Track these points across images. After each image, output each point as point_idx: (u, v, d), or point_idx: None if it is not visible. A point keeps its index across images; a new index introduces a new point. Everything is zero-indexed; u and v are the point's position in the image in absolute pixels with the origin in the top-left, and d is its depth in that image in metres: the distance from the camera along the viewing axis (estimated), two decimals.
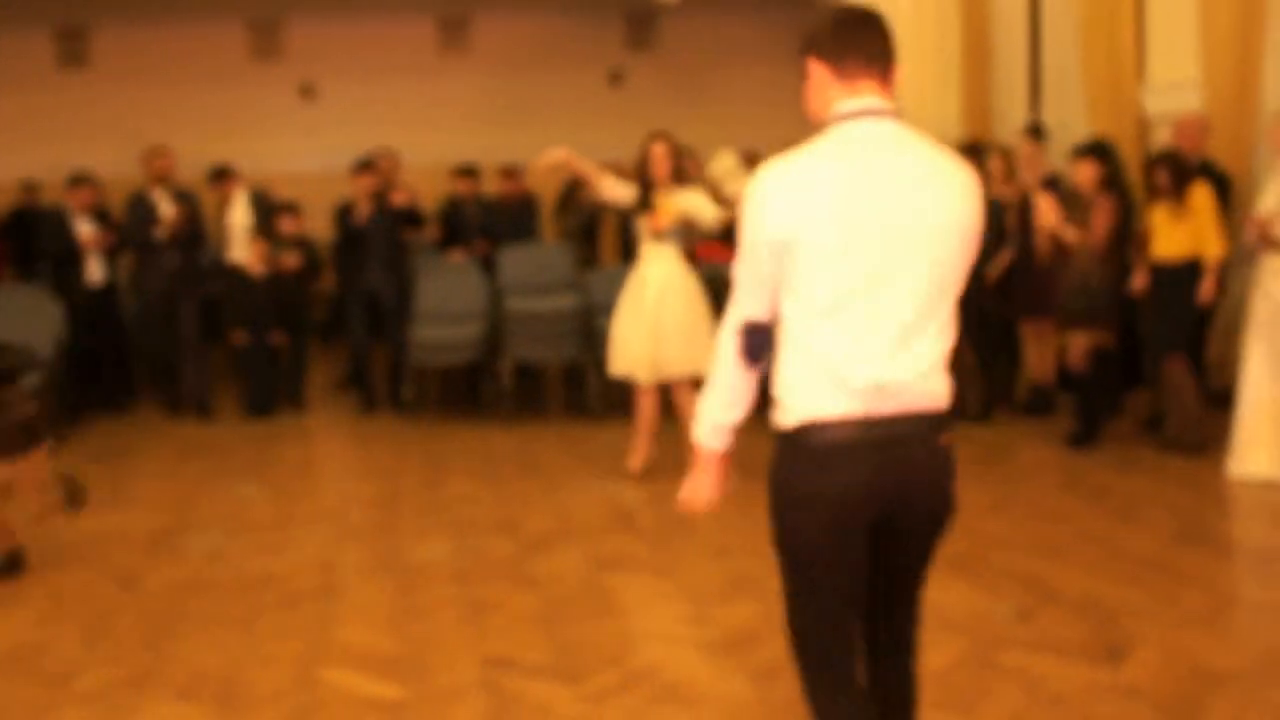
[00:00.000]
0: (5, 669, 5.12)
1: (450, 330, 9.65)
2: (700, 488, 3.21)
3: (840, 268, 2.84)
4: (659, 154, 7.56)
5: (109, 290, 10.33)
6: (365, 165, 10.13)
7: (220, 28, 14.94)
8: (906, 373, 2.88)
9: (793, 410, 2.93)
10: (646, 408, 7.74)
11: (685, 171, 7.76)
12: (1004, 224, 9.32)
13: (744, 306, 2.99)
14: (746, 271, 2.97)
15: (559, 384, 10.20)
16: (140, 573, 6.30)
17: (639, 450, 7.84)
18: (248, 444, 9.19)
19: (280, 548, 6.67)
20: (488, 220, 11.37)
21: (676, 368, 7.54)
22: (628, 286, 7.76)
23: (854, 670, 3.10)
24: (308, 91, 15.16)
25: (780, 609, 3.15)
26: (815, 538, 2.95)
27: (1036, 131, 9.45)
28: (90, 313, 9.97)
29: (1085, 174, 8.38)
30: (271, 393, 10.12)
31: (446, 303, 9.78)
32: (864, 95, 2.94)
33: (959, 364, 8.24)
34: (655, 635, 5.25)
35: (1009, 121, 11.90)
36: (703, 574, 6.07)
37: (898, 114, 2.96)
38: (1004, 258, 9.26)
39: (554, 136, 11.46)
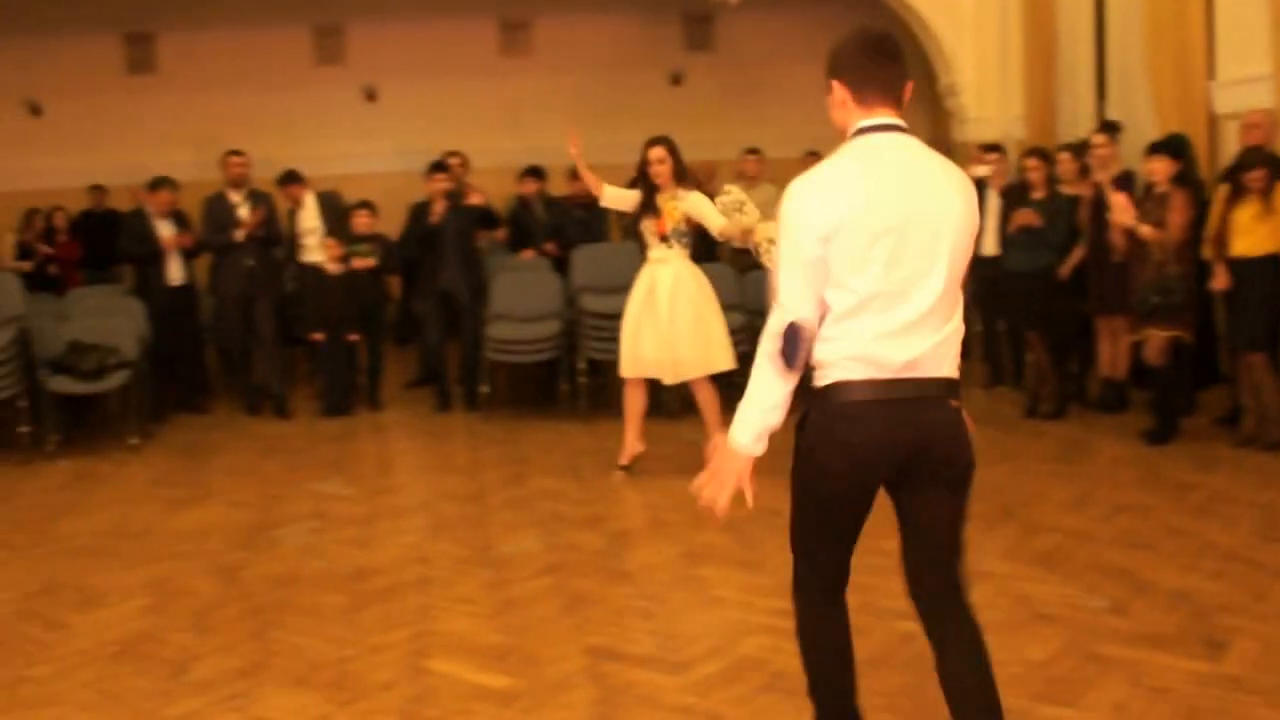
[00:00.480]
0: (120, 659, 5.22)
1: (526, 329, 9.74)
2: (727, 489, 3.48)
3: (871, 258, 3.23)
4: (658, 157, 7.64)
5: (187, 290, 10.47)
6: (439, 166, 10.24)
7: (284, 33, 15.07)
8: (925, 348, 3.31)
9: (828, 373, 3.33)
10: (634, 402, 7.87)
11: (686, 174, 7.76)
12: (1075, 221, 9.33)
13: (789, 310, 3.29)
14: (792, 276, 3.29)
15: None
16: (239, 565, 6.41)
17: (629, 446, 7.95)
18: (326, 442, 9.32)
19: (372, 542, 6.77)
20: (556, 221, 11.45)
21: (692, 368, 7.67)
22: (636, 289, 7.86)
23: (842, 589, 3.63)
24: (371, 94, 15.26)
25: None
26: (837, 479, 3.40)
27: (1112, 128, 9.45)
28: (169, 313, 10.11)
29: (1160, 170, 8.40)
30: (348, 392, 10.22)
31: (521, 302, 9.88)
32: (879, 116, 3.36)
33: (1034, 361, 8.32)
34: (756, 627, 5.31)
35: (1073, 120, 11.90)
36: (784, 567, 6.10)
37: (908, 129, 3.38)
38: (1076, 255, 9.27)
39: (616, 137, 11.62)
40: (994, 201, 10.10)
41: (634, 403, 7.87)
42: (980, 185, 10.21)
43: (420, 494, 7.79)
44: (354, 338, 10.20)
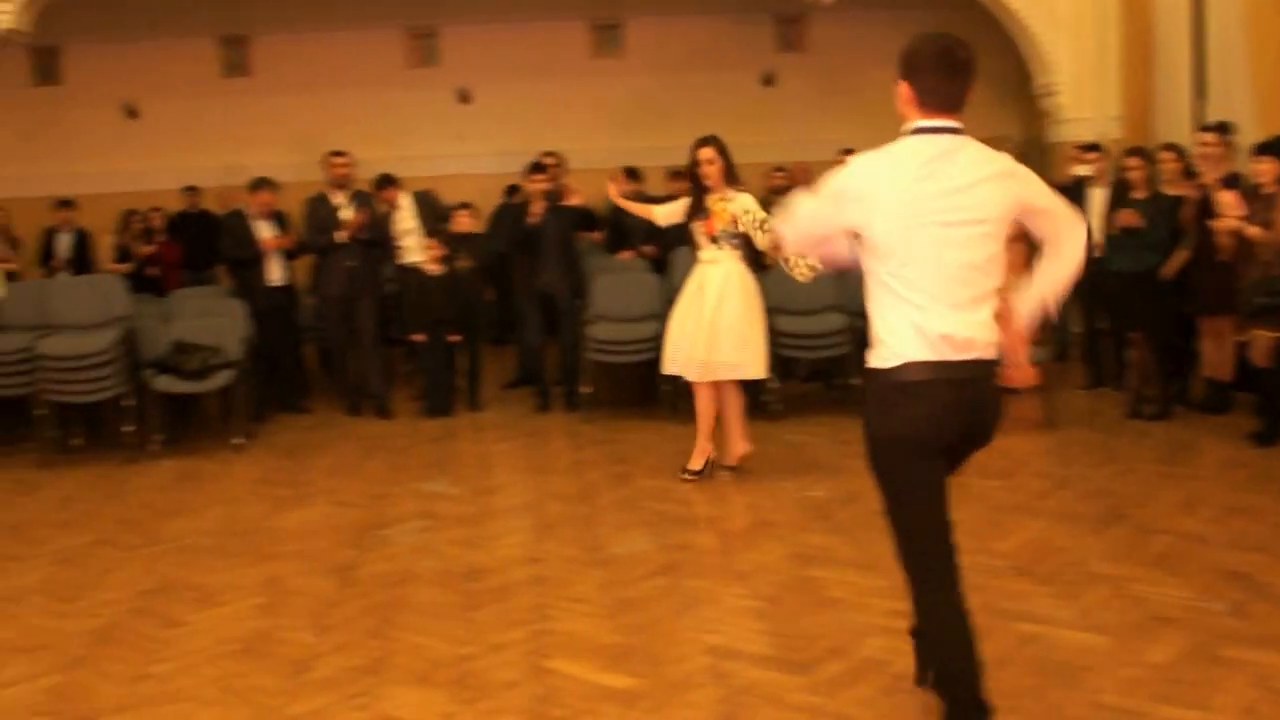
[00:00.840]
0: (241, 657, 5.28)
1: (626, 330, 9.75)
2: None
3: (917, 246, 3.63)
4: (707, 157, 7.60)
5: (288, 291, 10.56)
6: (538, 167, 10.26)
7: (378, 35, 15.17)
8: (969, 329, 3.66)
9: (887, 353, 3.71)
10: (704, 405, 7.77)
11: (736, 174, 7.71)
12: (1177, 222, 9.21)
13: (787, 228, 3.99)
14: (809, 208, 3.90)
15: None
16: (351, 564, 6.46)
17: (700, 449, 7.88)
18: (428, 442, 9.36)
19: (482, 541, 6.79)
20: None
21: (726, 370, 7.59)
22: (686, 288, 7.82)
23: (955, 574, 3.83)
24: (464, 96, 15.33)
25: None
26: (903, 456, 3.74)
27: (1223, 129, 9.31)
28: (269, 314, 10.20)
29: (1268, 171, 8.29)
30: (448, 393, 10.27)
31: (621, 303, 9.88)
32: (936, 120, 3.71)
33: (1137, 363, 8.19)
34: (875, 628, 5.28)
35: (1172, 121, 11.74)
36: None
37: (963, 130, 3.74)
38: (1180, 256, 9.15)
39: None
40: (1096, 201, 10.00)
41: (702, 405, 7.83)
42: (1081, 185, 10.13)
43: (526, 494, 7.79)
44: (455, 338, 10.21)
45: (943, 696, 3.89)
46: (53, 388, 9.11)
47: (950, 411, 3.69)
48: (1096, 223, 9.89)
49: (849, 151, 11.23)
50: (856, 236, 3.80)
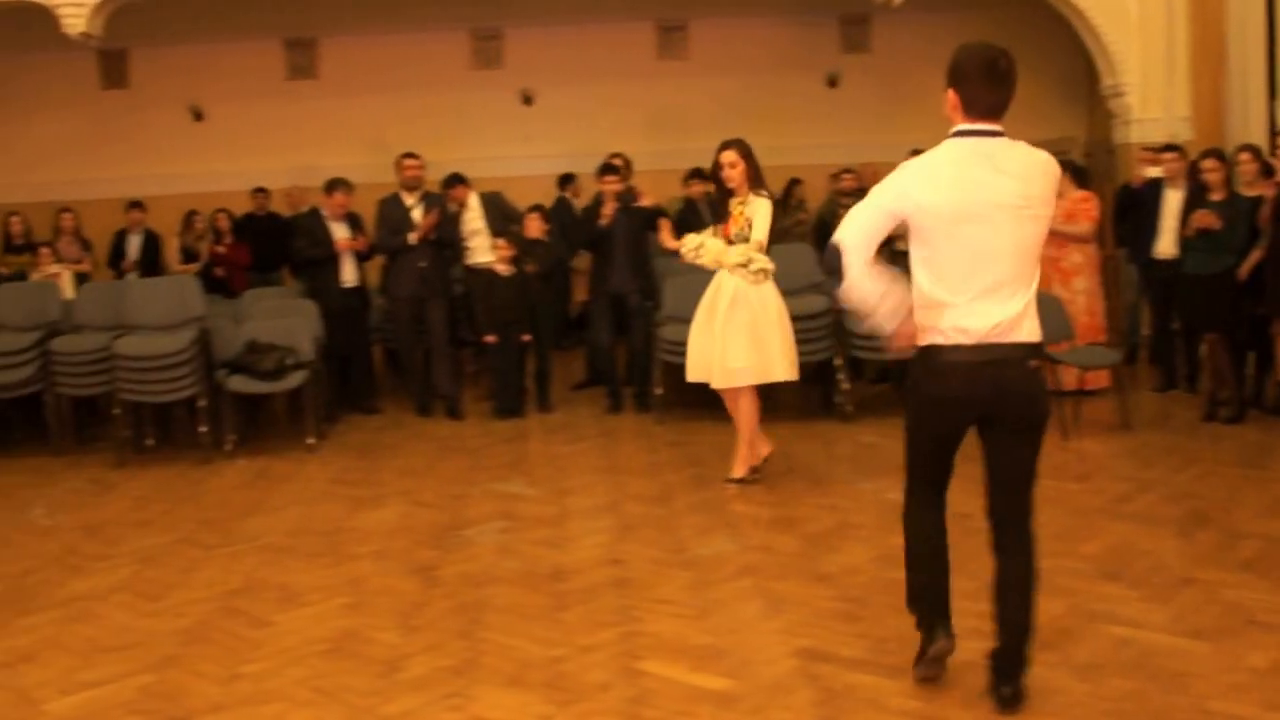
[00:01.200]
0: (331, 657, 5.27)
1: None
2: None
3: (956, 237, 4.06)
4: (729, 160, 7.53)
5: (360, 292, 10.59)
6: (609, 168, 10.25)
7: (442, 36, 15.20)
8: (1006, 315, 4.09)
9: (929, 334, 4.18)
10: (744, 410, 7.70)
11: (762, 178, 7.63)
12: (1255, 223, 9.10)
13: (839, 235, 4.17)
14: (866, 209, 4.19)
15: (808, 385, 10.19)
16: (433, 564, 6.44)
17: (740, 456, 7.82)
18: (501, 443, 9.36)
19: (564, 542, 6.77)
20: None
21: (744, 375, 7.51)
22: (706, 293, 7.75)
23: (941, 499, 4.61)
24: (528, 98, 15.33)
25: None
26: (933, 422, 4.39)
27: None
28: (341, 314, 10.23)
29: None
30: (519, 393, 10.26)
31: (694, 304, 9.77)
32: (979, 124, 4.13)
33: (1212, 365, 8.11)
34: (968, 630, 5.18)
35: (1243, 122, 11.61)
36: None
37: (1003, 133, 4.15)
38: (1255, 256, 9.04)
39: (773, 140, 11.51)
40: (1172, 202, 9.91)
41: (739, 411, 7.72)
42: (1158, 186, 10.02)
43: (604, 495, 7.75)
44: (526, 339, 10.20)
45: (916, 614, 4.71)
46: (129, 387, 9.16)
47: (974, 388, 4.17)
48: (1172, 224, 9.80)
49: (917, 152, 11.28)
50: (904, 227, 4.21)
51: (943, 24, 14.39)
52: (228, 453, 9.26)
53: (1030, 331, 4.18)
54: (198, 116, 15.17)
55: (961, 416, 4.30)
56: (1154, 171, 10.45)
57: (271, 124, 14.89)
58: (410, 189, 10.31)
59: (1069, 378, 9.50)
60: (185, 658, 5.31)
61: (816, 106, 15.27)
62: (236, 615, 5.82)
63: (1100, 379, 9.94)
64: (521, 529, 7.08)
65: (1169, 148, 10.26)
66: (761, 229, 7.46)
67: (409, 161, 10.35)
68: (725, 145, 7.63)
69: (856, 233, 4.17)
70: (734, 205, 7.54)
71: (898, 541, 6.28)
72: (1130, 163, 12.16)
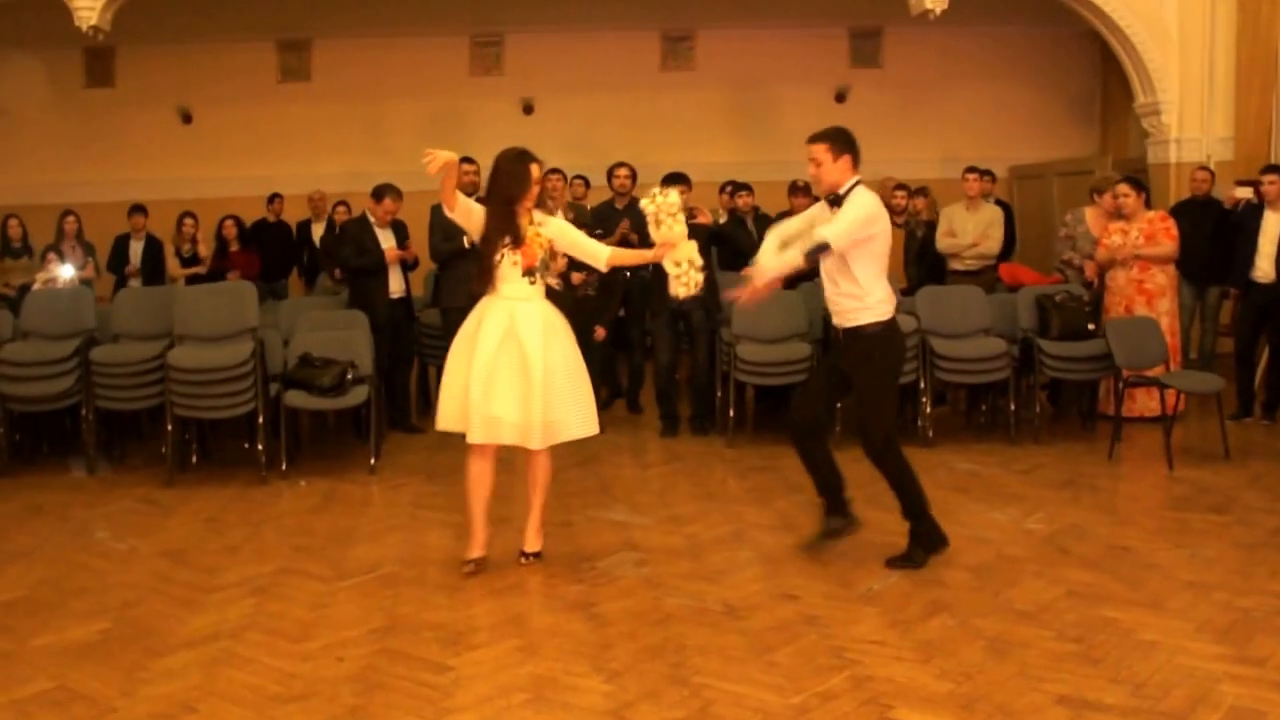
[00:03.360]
0: (544, 708, 4.72)
1: (776, 350, 9.32)
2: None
3: (884, 250, 6.14)
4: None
5: (405, 303, 10.04)
6: (674, 179, 9.76)
7: (442, 42, 14.68)
8: None
9: (884, 309, 6.17)
10: (475, 476, 6.37)
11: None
12: None
13: (837, 238, 5.99)
14: (855, 225, 5.99)
15: None
16: (590, 600, 5.90)
17: (474, 536, 6.42)
18: (572, 466, 8.68)
19: (717, 576, 6.29)
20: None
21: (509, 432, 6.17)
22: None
23: None
24: (528, 107, 14.83)
25: None
26: (898, 374, 6.56)
27: None
28: (388, 326, 9.66)
29: None
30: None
31: (764, 323, 9.40)
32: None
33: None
34: (1222, 675, 4.85)
35: None
36: (1204, 610, 5.65)
37: None
38: None
39: (780, 153, 11.19)
40: (1272, 225, 9.71)
41: (474, 479, 6.44)
42: (1256, 209, 9.81)
43: (724, 525, 7.29)
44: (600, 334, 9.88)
45: (920, 523, 6.37)
46: (183, 402, 8.50)
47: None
48: (1270, 249, 9.61)
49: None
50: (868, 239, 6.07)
51: (953, 40, 14.27)
52: (283, 472, 8.63)
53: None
54: (186, 118, 14.46)
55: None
56: (1243, 193, 10.26)
57: (262, 127, 14.24)
58: (466, 195, 9.70)
59: (1152, 402, 9.29)
60: (373, 710, 4.73)
61: (824, 120, 14.72)
62: (405, 659, 5.23)
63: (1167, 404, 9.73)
64: (659, 561, 6.57)
65: (1271, 169, 9.99)
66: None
67: (465, 166, 9.80)
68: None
69: (845, 239, 5.99)
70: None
71: (1078, 576, 6.07)
72: (1163, 182, 12.02)
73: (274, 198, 13.18)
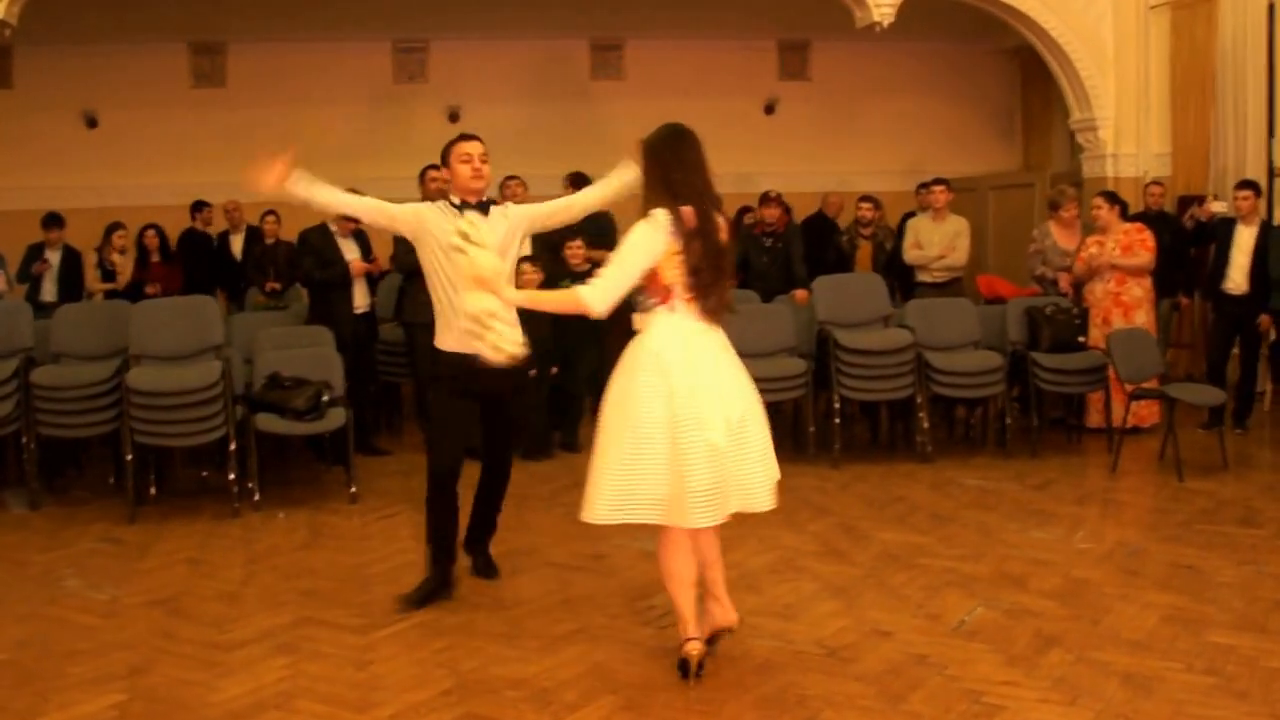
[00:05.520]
0: None
1: (766, 365, 8.90)
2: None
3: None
4: None
5: (369, 319, 9.44)
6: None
7: (363, 47, 14.06)
8: None
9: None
10: (684, 563, 5.00)
11: None
12: None
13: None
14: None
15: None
16: (670, 645, 5.31)
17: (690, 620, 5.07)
18: (571, 488, 8.12)
19: (794, 613, 5.82)
20: (743, 250, 10.72)
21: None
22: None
23: None
24: (453, 115, 14.23)
25: None
26: None
27: None
28: (352, 343, 9.04)
29: None
30: (547, 432, 9.29)
31: (756, 338, 8.97)
32: None
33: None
34: None
35: (1234, 161, 11.45)
36: None
37: None
38: None
39: (710, 163, 10.78)
40: (1245, 238, 9.67)
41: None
42: (1229, 223, 9.79)
43: (766, 551, 6.83)
44: (554, 371, 9.24)
45: (435, 546, 5.93)
46: (145, 429, 7.74)
47: None
48: (1244, 260, 9.57)
49: (942, 183, 10.77)
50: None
51: (880, 55, 14.14)
52: (255, 503, 7.95)
53: None
54: (91, 123, 13.58)
55: None
56: (1219, 207, 10.25)
57: (175, 134, 13.44)
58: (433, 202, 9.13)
59: (1144, 412, 9.27)
60: None
61: (753, 132, 14.65)
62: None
63: (1151, 415, 9.71)
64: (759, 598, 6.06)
65: (1245, 184, 9.98)
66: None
67: (434, 173, 9.20)
68: None
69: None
70: None
71: (1161, 599, 5.83)
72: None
73: (201, 206, 12.38)
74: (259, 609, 6.04)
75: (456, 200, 5.89)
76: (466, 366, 5.35)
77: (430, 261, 5.92)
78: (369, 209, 6.01)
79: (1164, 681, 4.85)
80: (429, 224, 5.82)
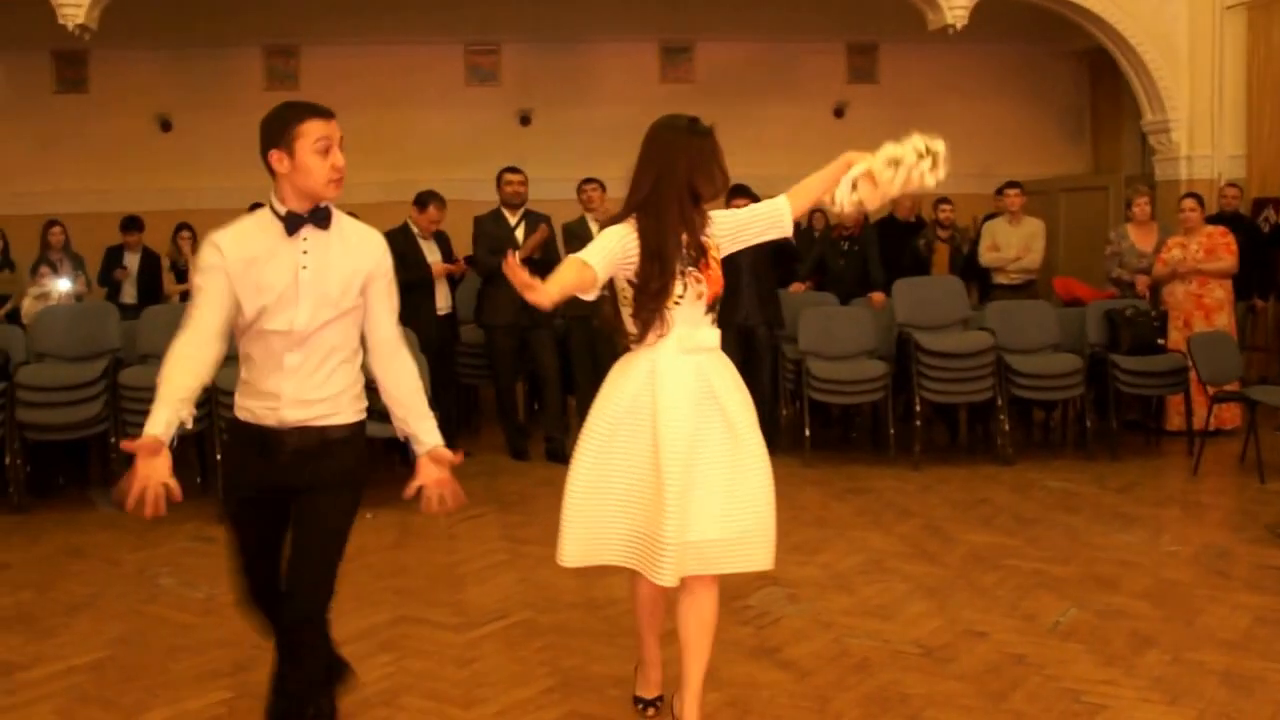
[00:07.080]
0: None
1: (849, 368, 8.95)
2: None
3: None
4: None
5: (451, 320, 9.52)
6: (741, 189, 9.36)
7: (435, 51, 14.17)
8: None
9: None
10: (648, 600, 4.73)
11: None
12: None
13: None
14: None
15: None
16: (770, 645, 5.41)
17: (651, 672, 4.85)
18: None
19: (886, 613, 5.84)
20: (821, 253, 10.78)
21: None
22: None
23: None
24: (525, 119, 14.33)
25: None
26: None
27: None
28: (434, 345, 9.12)
29: None
30: None
31: (834, 339, 9.03)
32: None
33: None
34: None
35: None
36: None
37: None
38: None
39: (777, 167, 10.76)
40: None
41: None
42: None
43: (855, 553, 6.87)
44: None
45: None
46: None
47: None
48: None
49: (1015, 186, 10.76)
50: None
51: (947, 57, 14.09)
52: None
53: None
54: (166, 126, 13.76)
55: None
56: None
57: (248, 136, 13.48)
58: (512, 206, 9.26)
59: (1223, 414, 9.19)
60: None
61: (822, 135, 14.54)
62: None
63: (1233, 418, 9.73)
64: (811, 597, 6.11)
65: None
66: None
67: (511, 176, 9.33)
68: None
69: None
70: None
71: (1254, 600, 5.86)
72: (1172, 199, 11.90)
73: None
74: (357, 607, 6.09)
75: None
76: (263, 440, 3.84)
77: None
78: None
79: (1264, 682, 4.86)
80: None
